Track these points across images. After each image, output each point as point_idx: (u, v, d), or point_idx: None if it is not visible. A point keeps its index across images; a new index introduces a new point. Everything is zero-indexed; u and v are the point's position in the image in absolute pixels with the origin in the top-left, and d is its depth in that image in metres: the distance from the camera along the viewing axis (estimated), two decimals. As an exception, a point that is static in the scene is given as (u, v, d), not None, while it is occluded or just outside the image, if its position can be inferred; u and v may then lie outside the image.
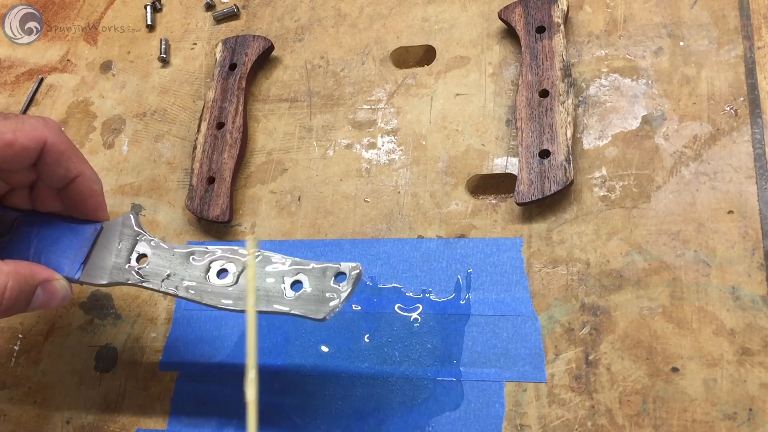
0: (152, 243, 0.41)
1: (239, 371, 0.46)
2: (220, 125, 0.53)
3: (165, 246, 0.41)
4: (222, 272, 0.40)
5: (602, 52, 0.50)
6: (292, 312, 0.38)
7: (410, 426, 0.42)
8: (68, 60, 0.63)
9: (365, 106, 0.53)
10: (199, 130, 0.54)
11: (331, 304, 0.37)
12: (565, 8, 0.50)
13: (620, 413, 0.40)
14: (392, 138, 0.51)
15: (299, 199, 0.51)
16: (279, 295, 0.38)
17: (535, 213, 0.46)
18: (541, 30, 0.50)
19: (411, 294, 0.46)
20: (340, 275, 0.38)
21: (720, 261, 0.42)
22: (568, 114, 0.46)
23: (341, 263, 0.38)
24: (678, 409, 0.39)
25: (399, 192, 0.49)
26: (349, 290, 0.38)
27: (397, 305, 0.46)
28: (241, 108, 0.53)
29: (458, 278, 0.45)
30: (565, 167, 0.44)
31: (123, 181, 0.55)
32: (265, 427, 0.44)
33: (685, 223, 0.43)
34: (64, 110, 0.60)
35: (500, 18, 0.52)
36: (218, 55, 0.56)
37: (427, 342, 0.44)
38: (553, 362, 0.42)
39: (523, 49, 0.49)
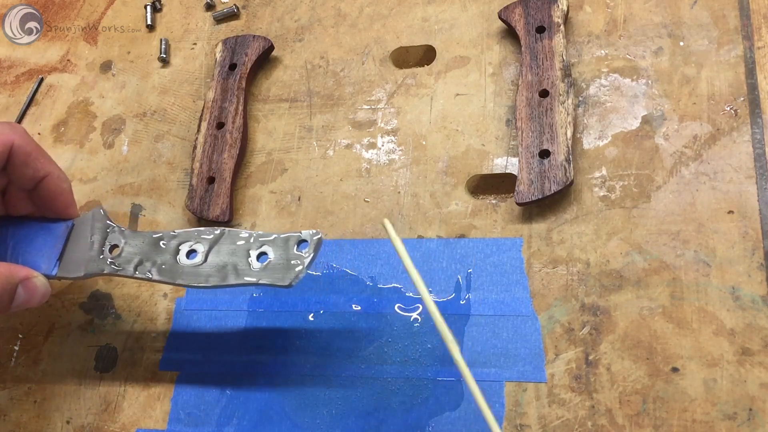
0: (123, 233, 0.43)
1: (239, 371, 0.46)
2: (220, 125, 0.53)
3: (134, 234, 0.43)
4: (191, 253, 0.42)
5: (602, 52, 0.50)
6: (261, 282, 0.40)
7: (410, 426, 0.42)
8: (68, 60, 0.63)
9: (365, 106, 0.53)
10: (199, 130, 0.54)
11: (296, 270, 0.39)
12: (565, 8, 0.50)
13: (620, 413, 0.40)
14: (392, 138, 0.51)
15: (299, 199, 0.51)
16: (247, 268, 0.40)
17: (535, 213, 0.46)
18: (541, 30, 0.49)
19: (411, 294, 0.46)
20: (302, 243, 0.40)
21: (720, 261, 0.42)
22: (568, 114, 0.46)
23: (302, 231, 0.41)
24: (678, 409, 0.39)
25: (399, 192, 0.49)
26: (311, 255, 0.40)
27: (397, 305, 0.46)
28: (241, 108, 0.53)
29: (458, 278, 0.45)
30: (565, 167, 0.44)
31: (123, 181, 0.55)
32: (265, 427, 0.44)
33: (685, 223, 0.43)
34: (64, 110, 0.60)
35: (500, 18, 0.52)
36: (218, 55, 0.57)
37: (427, 342, 0.44)
38: (553, 362, 0.42)
39: (523, 49, 0.49)
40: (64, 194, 0.45)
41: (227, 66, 0.56)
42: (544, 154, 0.45)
